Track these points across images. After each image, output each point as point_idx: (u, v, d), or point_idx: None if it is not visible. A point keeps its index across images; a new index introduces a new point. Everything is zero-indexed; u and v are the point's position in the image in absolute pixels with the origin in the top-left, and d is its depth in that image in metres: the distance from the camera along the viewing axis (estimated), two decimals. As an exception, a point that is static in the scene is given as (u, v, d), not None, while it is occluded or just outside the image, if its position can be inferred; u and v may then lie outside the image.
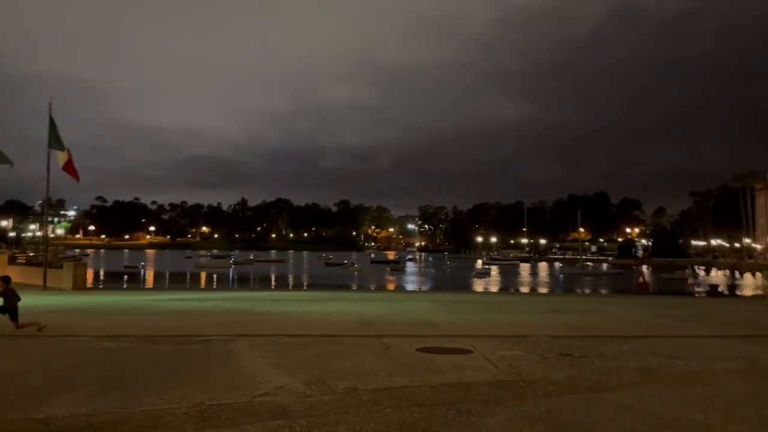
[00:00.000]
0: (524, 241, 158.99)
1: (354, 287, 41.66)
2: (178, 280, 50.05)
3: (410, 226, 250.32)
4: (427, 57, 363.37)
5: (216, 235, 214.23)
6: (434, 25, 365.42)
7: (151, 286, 40.20)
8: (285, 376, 6.78)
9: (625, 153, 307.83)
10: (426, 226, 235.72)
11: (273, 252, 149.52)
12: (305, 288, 39.06)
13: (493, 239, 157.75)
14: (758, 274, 65.34)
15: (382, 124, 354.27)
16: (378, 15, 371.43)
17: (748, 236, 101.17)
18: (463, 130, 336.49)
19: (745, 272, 67.69)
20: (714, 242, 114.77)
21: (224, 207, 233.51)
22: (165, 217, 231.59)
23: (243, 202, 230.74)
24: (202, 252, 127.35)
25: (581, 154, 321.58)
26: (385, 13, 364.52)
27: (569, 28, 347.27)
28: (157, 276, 57.52)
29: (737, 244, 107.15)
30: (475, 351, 8.65)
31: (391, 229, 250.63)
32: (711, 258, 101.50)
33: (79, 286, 22.01)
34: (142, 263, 73.10)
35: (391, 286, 47.69)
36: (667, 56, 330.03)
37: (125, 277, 56.07)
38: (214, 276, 57.37)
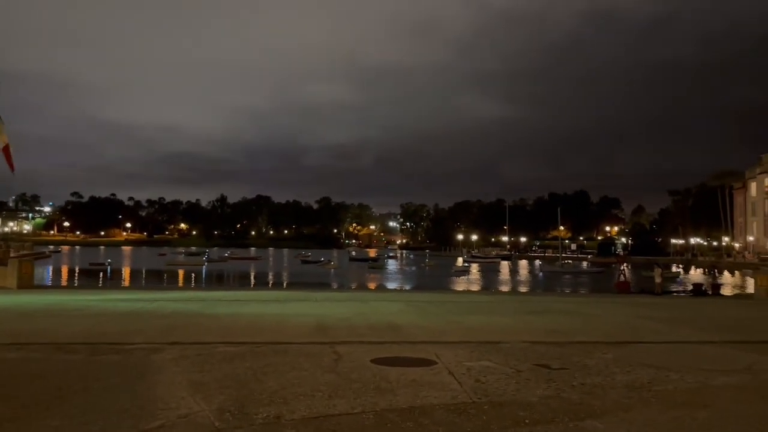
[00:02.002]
0: (505, 239, 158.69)
1: (328, 286, 40.43)
2: (143, 278, 48.39)
3: (392, 224, 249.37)
4: (408, 57, 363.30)
5: (194, 232, 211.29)
6: (415, 26, 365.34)
7: (110, 285, 38.57)
8: (199, 399, 5.53)
9: (605, 153, 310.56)
10: (408, 223, 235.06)
11: (252, 249, 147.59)
12: (274, 287, 37.77)
13: (474, 237, 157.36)
14: (737, 273, 65.25)
15: (364, 122, 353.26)
16: (359, 14, 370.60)
17: (726, 235, 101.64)
18: (444, 130, 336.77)
19: (724, 270, 67.61)
20: (693, 241, 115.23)
21: (204, 204, 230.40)
22: (142, 213, 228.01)
23: (222, 199, 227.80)
24: (180, 249, 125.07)
25: (562, 154, 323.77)
26: (366, 13, 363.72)
27: (548, 32, 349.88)
28: (122, 274, 55.70)
29: (716, 243, 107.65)
30: (439, 362, 7.47)
31: (373, 227, 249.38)
32: (690, 256, 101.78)
33: (24, 284, 20.48)
34: (109, 260, 70.99)
35: (369, 285, 46.53)
36: (644, 60, 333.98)
37: (96, 275, 54.18)
38: (183, 274, 55.67)
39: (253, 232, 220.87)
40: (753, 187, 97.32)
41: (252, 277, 54.57)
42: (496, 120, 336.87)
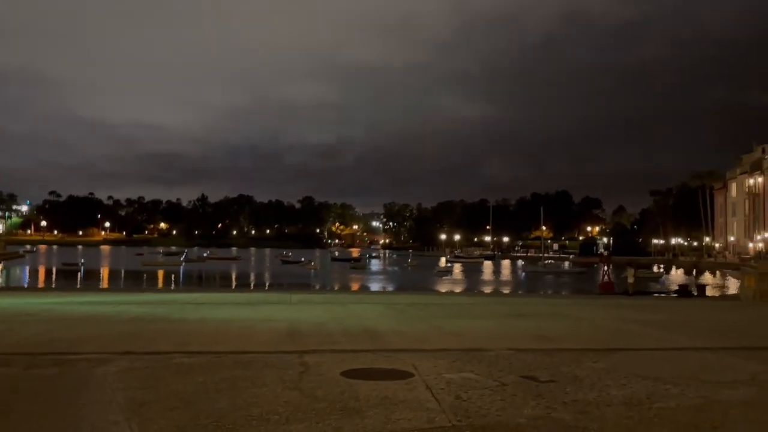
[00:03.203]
0: (488, 239, 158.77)
1: (307, 287, 39.60)
2: (117, 280, 47.16)
3: (375, 224, 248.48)
4: (388, 57, 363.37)
5: (174, 232, 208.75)
6: (395, 26, 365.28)
7: (80, 287, 37.39)
8: (134, 424, 4.76)
9: (585, 153, 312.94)
10: (391, 223, 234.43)
11: (234, 249, 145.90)
12: (251, 288, 36.86)
13: (457, 237, 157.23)
14: (718, 273, 65.48)
15: (346, 121, 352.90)
16: (339, 13, 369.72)
17: (707, 235, 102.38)
18: (426, 129, 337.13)
19: (705, 270, 67.87)
20: (674, 241, 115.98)
21: (184, 203, 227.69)
22: (121, 212, 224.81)
23: (203, 198, 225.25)
24: (159, 249, 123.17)
25: (543, 154, 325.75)
26: (346, 12, 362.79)
27: (526, 33, 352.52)
28: (96, 275, 54.31)
29: (696, 243, 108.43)
30: (416, 374, 6.77)
31: (356, 227, 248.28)
32: (671, 256, 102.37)
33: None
34: (83, 261, 69.36)
35: (350, 286, 45.78)
36: (619, 61, 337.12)
37: (68, 275, 52.75)
38: (160, 275, 54.43)
39: (234, 232, 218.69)
40: (733, 187, 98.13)
41: (230, 278, 53.52)
42: (478, 120, 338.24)
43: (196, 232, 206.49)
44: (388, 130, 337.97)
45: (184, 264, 73.68)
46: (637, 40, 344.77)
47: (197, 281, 48.88)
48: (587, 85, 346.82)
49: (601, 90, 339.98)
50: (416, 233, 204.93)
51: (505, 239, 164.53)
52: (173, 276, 54.03)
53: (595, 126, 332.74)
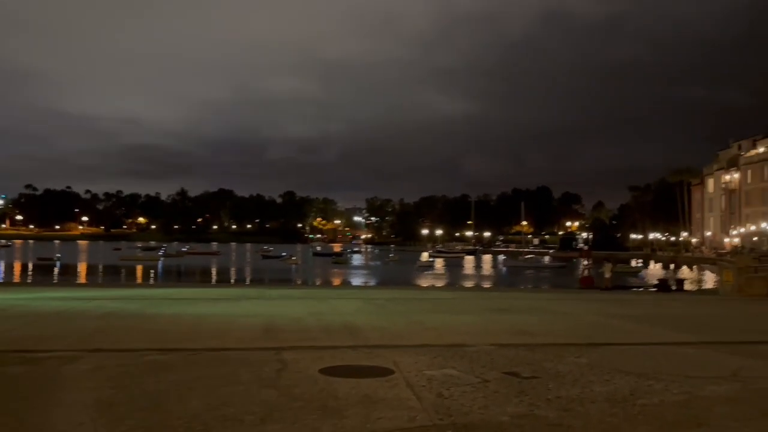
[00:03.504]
0: (470, 233, 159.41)
1: (288, 282, 39.32)
2: (93, 274, 46.41)
3: (357, 219, 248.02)
4: (369, 52, 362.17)
5: (153, 227, 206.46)
6: (376, 22, 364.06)
7: (55, 282, 36.72)
8: (100, 426, 4.54)
9: (565, 149, 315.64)
10: (373, 218, 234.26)
11: (214, 244, 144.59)
12: (230, 283, 36.50)
13: (439, 232, 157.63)
14: (696, 267, 66.36)
15: (328, 117, 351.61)
16: (320, 8, 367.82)
17: (684, 230, 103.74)
18: (408, 125, 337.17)
19: (682, 265, 68.75)
20: (652, 236, 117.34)
21: (163, 197, 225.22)
22: (99, 207, 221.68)
23: (183, 193, 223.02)
24: (137, 244, 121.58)
25: (524, 150, 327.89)
26: (328, 7, 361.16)
27: (506, 31, 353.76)
28: (72, 270, 53.37)
29: (674, 238, 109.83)
30: (397, 371, 6.61)
31: (338, 222, 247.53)
32: (649, 251, 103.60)
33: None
34: (59, 255, 68.08)
35: (331, 281, 45.57)
36: (598, 59, 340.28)
37: (43, 270, 51.78)
38: (137, 270, 53.66)
39: (215, 227, 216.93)
40: (710, 183, 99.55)
41: (209, 273, 52.96)
42: (459, 116, 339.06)
43: (176, 227, 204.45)
44: (370, 126, 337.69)
45: (162, 259, 72.73)
46: (616, 38, 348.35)
47: (176, 276, 48.24)
48: (567, 82, 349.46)
49: (581, 87, 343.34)
50: (398, 228, 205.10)
51: (487, 234, 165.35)
52: (151, 271, 53.30)
53: (575, 122, 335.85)
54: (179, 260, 72.34)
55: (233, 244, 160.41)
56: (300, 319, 11.12)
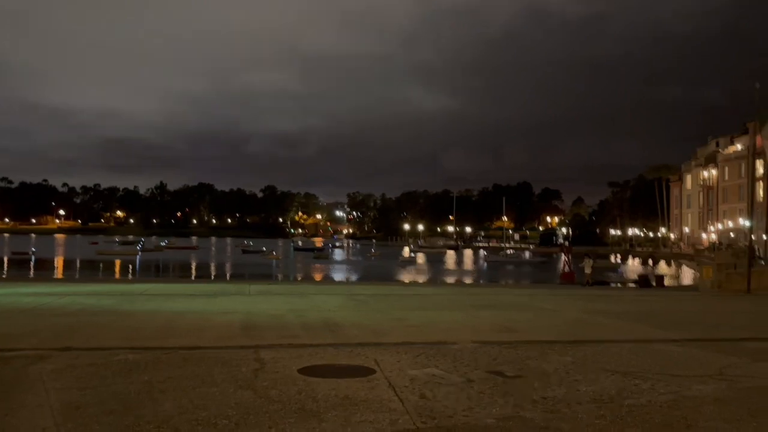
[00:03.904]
0: (451, 229, 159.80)
1: (268, 278, 38.93)
2: (69, 269, 45.56)
3: (339, 213, 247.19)
4: (351, 47, 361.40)
5: (132, 221, 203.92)
6: (358, 16, 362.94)
7: (29, 276, 35.94)
8: (66, 431, 4.29)
9: (546, 146, 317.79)
10: (354, 213, 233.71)
11: (194, 238, 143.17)
12: (209, 278, 36.02)
13: (421, 227, 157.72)
14: (674, 263, 67.13)
15: (309, 111, 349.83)
16: (301, 2, 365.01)
17: (663, 226, 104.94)
18: (389, 120, 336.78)
19: (660, 260, 69.52)
20: (631, 231, 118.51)
21: (142, 191, 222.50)
22: (77, 200, 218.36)
23: (162, 186, 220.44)
24: (115, 238, 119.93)
25: (504, 146, 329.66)
26: (309, 1, 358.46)
27: (487, 26, 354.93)
28: (48, 264, 52.35)
29: (652, 234, 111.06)
30: (379, 370, 6.42)
31: (319, 216, 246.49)
32: (628, 247, 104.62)
33: None
34: (34, 249, 66.77)
35: (312, 276, 45.26)
36: (578, 57, 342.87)
37: (18, 265, 50.71)
38: (114, 264, 52.79)
39: (194, 221, 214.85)
40: (688, 179, 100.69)
41: (188, 268, 52.30)
42: (440, 111, 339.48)
43: (155, 221, 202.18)
44: (351, 120, 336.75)
45: (140, 253, 71.72)
46: (596, 36, 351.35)
47: (154, 271, 47.56)
48: (548, 78, 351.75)
49: (561, 84, 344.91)
50: (380, 223, 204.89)
51: (468, 229, 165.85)
52: (129, 266, 52.49)
53: (555, 119, 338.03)
54: (158, 255, 71.38)
55: (213, 238, 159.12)
56: (279, 315, 10.88)
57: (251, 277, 35.72)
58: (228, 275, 44.25)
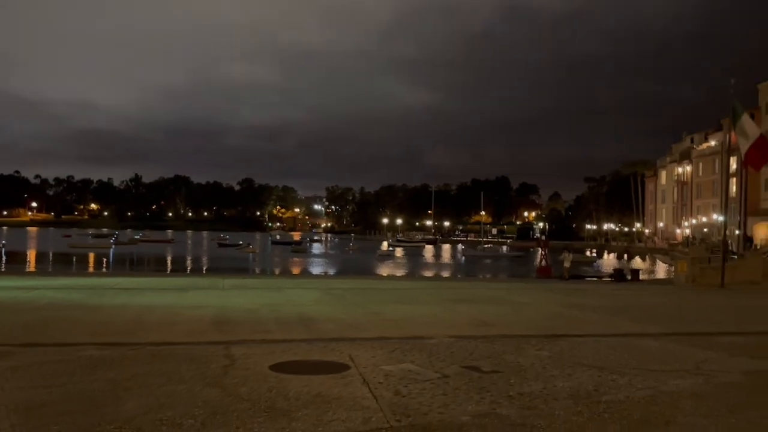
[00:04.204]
0: (429, 223, 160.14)
1: (244, 271, 38.56)
2: (40, 262, 44.60)
3: (317, 207, 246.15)
4: (331, 40, 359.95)
5: (106, 213, 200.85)
6: (337, 10, 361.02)
7: None
8: (18, 434, 4.06)
9: (524, 141, 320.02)
10: (333, 207, 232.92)
11: (169, 232, 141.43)
12: (183, 272, 35.55)
13: (399, 221, 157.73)
14: (648, 257, 68.03)
15: (287, 104, 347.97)
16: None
17: (638, 221, 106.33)
18: (368, 114, 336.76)
19: (635, 255, 70.39)
20: (606, 226, 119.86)
21: (117, 183, 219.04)
22: (50, 192, 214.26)
23: (137, 178, 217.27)
24: (89, 230, 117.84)
25: (484, 141, 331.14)
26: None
27: (467, 22, 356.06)
28: (18, 257, 51.21)
29: (628, 229, 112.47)
30: (353, 366, 6.27)
31: (298, 210, 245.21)
32: (604, 241, 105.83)
33: None
34: (4, 242, 65.28)
35: (289, 270, 44.94)
36: (556, 53, 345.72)
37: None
38: (87, 257, 51.84)
39: (170, 214, 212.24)
40: (663, 175, 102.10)
41: (162, 262, 51.55)
42: (420, 106, 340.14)
43: (129, 214, 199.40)
44: (330, 114, 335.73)
45: (114, 246, 70.52)
46: (575, 33, 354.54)
47: (127, 265, 46.78)
48: (526, 75, 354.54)
49: (540, 80, 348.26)
50: (358, 217, 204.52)
51: (447, 224, 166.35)
52: (102, 259, 51.59)
53: (534, 114, 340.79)
54: (132, 248, 70.25)
55: (189, 231, 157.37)
56: (253, 310, 10.67)
57: (227, 271, 35.33)
58: (203, 269, 43.78)
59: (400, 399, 5.06)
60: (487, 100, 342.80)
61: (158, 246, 77.24)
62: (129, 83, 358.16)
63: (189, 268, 44.94)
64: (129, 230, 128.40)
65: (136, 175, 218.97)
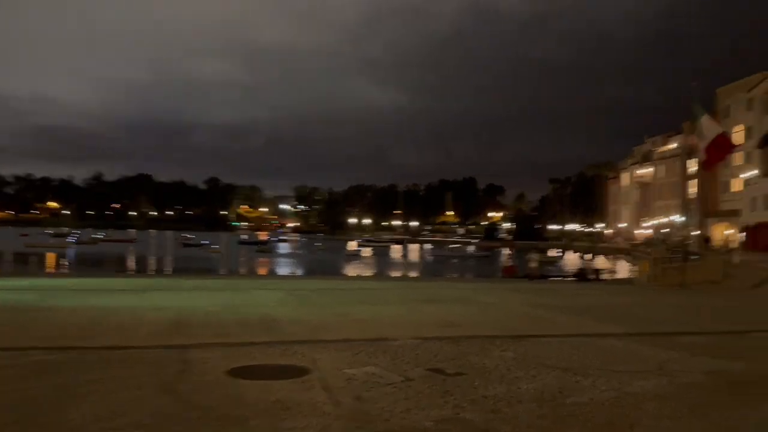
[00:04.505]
0: (397, 223, 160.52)
1: (209, 272, 37.91)
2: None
3: (284, 207, 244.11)
4: (298, 38, 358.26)
5: (67, 212, 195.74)
6: (305, 7, 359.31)
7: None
8: (-52, 449, 3.78)
9: (491, 142, 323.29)
10: (300, 206, 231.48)
11: (132, 231, 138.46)
12: (145, 273, 34.73)
13: (367, 221, 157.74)
14: (610, 257, 69.28)
15: (254, 102, 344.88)
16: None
17: (600, 221, 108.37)
18: (336, 114, 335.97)
19: (598, 255, 71.66)
20: (570, 227, 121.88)
21: (78, 181, 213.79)
22: (9, 190, 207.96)
23: (98, 177, 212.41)
24: (50, 230, 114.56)
25: (450, 142, 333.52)
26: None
27: (434, 23, 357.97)
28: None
29: (591, 229, 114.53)
30: (315, 370, 6.09)
31: (265, 209, 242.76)
32: (568, 242, 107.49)
33: None
34: None
35: (254, 270, 44.37)
36: (522, 55, 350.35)
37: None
38: (45, 258, 50.35)
39: (133, 213, 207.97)
40: (625, 177, 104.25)
41: (123, 262, 50.39)
42: (388, 106, 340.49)
43: (91, 213, 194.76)
44: (298, 113, 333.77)
45: (74, 246, 68.64)
46: (540, 36, 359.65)
47: (87, 265, 45.54)
48: (493, 77, 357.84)
49: (507, 82, 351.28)
50: (327, 217, 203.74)
51: (415, 224, 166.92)
52: (61, 259, 50.18)
53: (501, 116, 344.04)
54: (93, 248, 68.50)
55: (153, 231, 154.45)
56: (214, 312, 10.37)
57: (190, 272, 34.68)
58: (165, 269, 42.91)
59: (361, 404, 4.91)
60: (455, 101, 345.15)
61: (120, 246, 75.50)
62: (91, 79, 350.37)
63: (151, 268, 44.00)
64: (90, 229, 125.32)
65: (98, 172, 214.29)
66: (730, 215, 72.35)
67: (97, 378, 5.62)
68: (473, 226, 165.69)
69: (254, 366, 6.22)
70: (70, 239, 78.22)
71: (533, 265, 30.80)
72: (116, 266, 45.40)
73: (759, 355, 7.55)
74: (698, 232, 60.36)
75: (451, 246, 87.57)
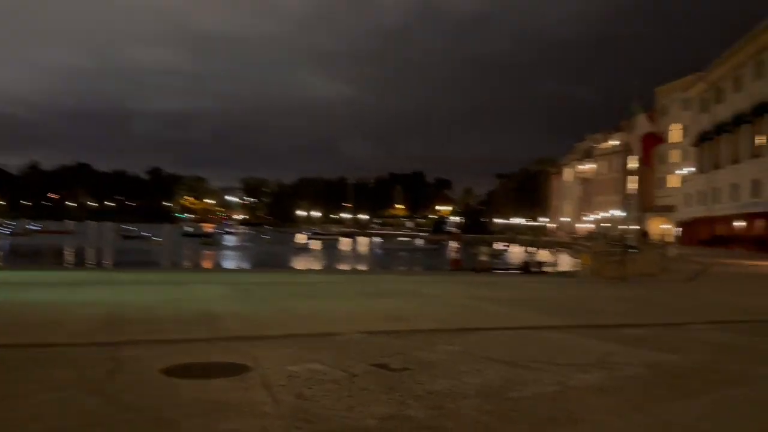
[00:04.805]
0: (346, 215, 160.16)
1: (150, 265, 36.76)
2: None
3: (231, 199, 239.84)
4: (245, 27, 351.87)
5: (1, 202, 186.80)
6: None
7: None
8: None
9: (438, 137, 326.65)
10: (248, 198, 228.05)
11: (71, 223, 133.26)
12: (81, 266, 33.41)
13: (317, 214, 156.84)
14: (553, 251, 71.00)
15: (199, 91, 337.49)
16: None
17: (544, 215, 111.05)
18: (284, 105, 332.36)
19: (541, 248, 73.33)
20: (515, 220, 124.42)
21: (12, 170, 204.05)
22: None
23: (34, 166, 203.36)
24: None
25: (400, 136, 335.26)
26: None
27: (383, 17, 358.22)
28: None
29: (535, 223, 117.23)
30: (255, 367, 5.86)
31: (211, 201, 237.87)
32: (513, 235, 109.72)
33: None
34: None
35: (198, 263, 43.32)
36: (467, 52, 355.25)
37: None
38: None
39: (71, 204, 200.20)
40: (567, 172, 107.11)
41: (59, 255, 48.36)
42: (337, 99, 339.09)
43: (26, 203, 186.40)
44: (245, 103, 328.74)
45: (8, 237, 65.49)
46: (484, 33, 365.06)
47: (19, 258, 43.47)
48: (441, 72, 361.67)
49: (453, 78, 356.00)
50: (275, 209, 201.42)
51: (364, 217, 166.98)
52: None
53: (449, 111, 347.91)
54: (28, 240, 65.48)
55: (92, 222, 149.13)
56: (151, 307, 9.93)
57: (130, 265, 33.54)
58: (104, 262, 41.43)
59: (302, 403, 4.74)
60: (403, 95, 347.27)
61: (57, 238, 72.44)
62: (25, 64, 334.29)
63: (89, 261, 42.37)
64: (25, 220, 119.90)
65: (34, 161, 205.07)
66: (666, 210, 75.35)
67: (17, 378, 5.27)
68: (422, 220, 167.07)
69: (191, 364, 5.95)
70: (3, 230, 74.57)
71: (481, 258, 31.21)
72: (52, 259, 43.49)
73: (697, 346, 7.75)
74: (637, 226, 62.52)
75: (399, 239, 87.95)
